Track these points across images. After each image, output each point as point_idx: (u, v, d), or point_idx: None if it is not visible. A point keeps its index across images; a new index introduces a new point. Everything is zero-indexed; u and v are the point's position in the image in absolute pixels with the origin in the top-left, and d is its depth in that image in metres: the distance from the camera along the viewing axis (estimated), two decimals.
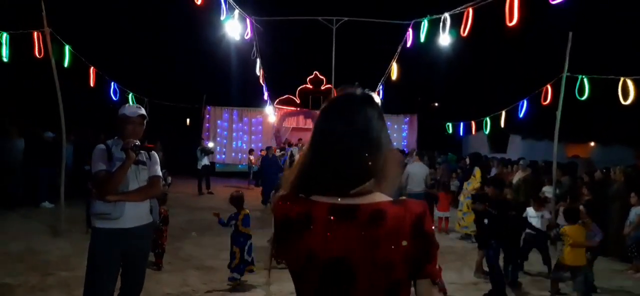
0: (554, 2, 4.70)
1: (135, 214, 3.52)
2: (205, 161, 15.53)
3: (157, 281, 5.99)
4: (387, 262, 1.29)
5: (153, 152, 3.74)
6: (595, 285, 6.45)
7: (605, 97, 8.73)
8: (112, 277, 3.49)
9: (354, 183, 1.35)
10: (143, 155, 3.61)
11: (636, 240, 7.52)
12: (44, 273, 6.09)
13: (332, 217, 1.32)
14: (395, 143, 22.51)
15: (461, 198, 10.12)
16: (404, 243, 1.30)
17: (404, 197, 1.42)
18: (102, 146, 3.54)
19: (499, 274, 6.05)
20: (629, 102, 7.75)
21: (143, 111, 3.65)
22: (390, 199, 1.36)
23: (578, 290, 5.82)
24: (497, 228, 6.16)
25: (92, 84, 9.94)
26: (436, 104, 31.05)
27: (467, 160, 10.88)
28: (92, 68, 9.79)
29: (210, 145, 17.39)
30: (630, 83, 7.71)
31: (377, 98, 1.45)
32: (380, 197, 1.36)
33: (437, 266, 1.37)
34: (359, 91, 1.44)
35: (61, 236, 8.05)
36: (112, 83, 10.91)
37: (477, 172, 9.90)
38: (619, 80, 7.87)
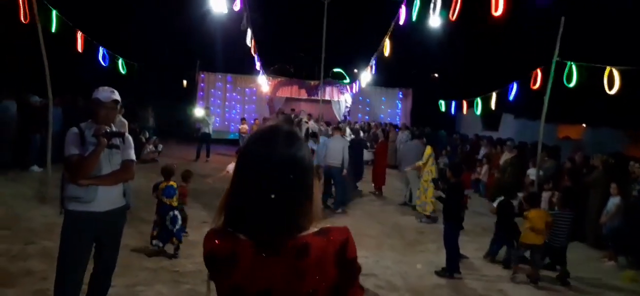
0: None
1: (108, 198, 3.57)
2: (204, 128, 15.64)
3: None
4: (311, 293, 1.33)
5: (127, 135, 3.77)
6: (568, 271, 6.66)
7: (593, 84, 8.74)
8: (84, 260, 3.57)
9: (279, 227, 1.33)
10: (117, 139, 3.64)
11: (612, 229, 7.67)
12: (27, 242, 6.20)
13: (257, 255, 1.33)
14: (389, 119, 22.55)
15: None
16: (329, 272, 1.34)
17: (328, 225, 1.42)
18: (75, 129, 3.55)
19: (452, 251, 6.35)
20: (613, 91, 7.76)
21: (117, 96, 3.66)
22: (314, 230, 1.38)
23: (537, 266, 6.36)
24: (449, 210, 6.38)
25: (79, 49, 9.85)
26: (436, 75, 30.43)
27: (425, 139, 11.00)
28: (79, 33, 9.69)
29: (199, 113, 17.29)
30: (616, 72, 7.71)
31: (301, 137, 1.45)
32: (304, 231, 1.37)
33: (359, 289, 1.43)
34: (285, 127, 1.43)
35: (47, 203, 8.10)
36: (101, 48, 10.80)
37: (428, 149, 10.02)
38: (605, 69, 7.87)
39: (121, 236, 3.84)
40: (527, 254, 6.55)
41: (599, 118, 17.77)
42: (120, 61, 12.02)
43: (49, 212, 7.61)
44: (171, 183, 6.24)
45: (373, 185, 12.45)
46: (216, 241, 1.39)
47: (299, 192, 1.36)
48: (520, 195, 7.88)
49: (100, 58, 10.91)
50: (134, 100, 14.92)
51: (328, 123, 16.58)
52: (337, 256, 1.36)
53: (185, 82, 23.37)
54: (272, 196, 1.31)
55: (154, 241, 6.12)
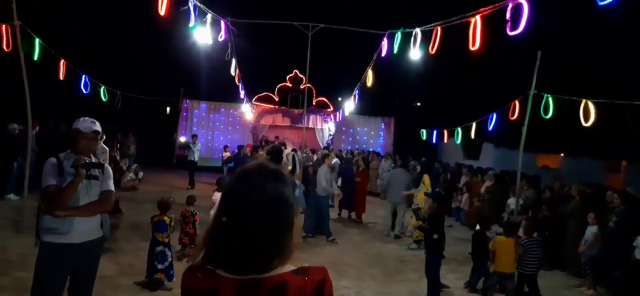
0: (511, 33, 4.85)
1: (84, 229, 3.53)
2: (190, 156, 15.51)
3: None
4: None
5: (107, 165, 3.75)
6: None
7: (570, 115, 8.99)
8: (59, 292, 3.50)
9: (261, 264, 1.36)
10: (96, 170, 3.62)
11: (590, 258, 7.78)
12: (1, 273, 6.04)
13: (238, 291, 1.35)
14: (371, 148, 22.71)
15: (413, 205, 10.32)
16: None
17: (306, 265, 1.44)
18: (53, 160, 3.53)
19: (434, 280, 6.34)
20: (589, 123, 7.97)
21: (97, 127, 3.65)
22: (293, 268, 1.41)
23: (508, 294, 6.42)
24: (430, 239, 6.38)
25: (61, 77, 9.79)
26: (419, 104, 30.91)
27: (418, 167, 11.15)
28: (62, 61, 9.65)
29: (182, 139, 17.34)
30: (591, 105, 7.95)
31: (286, 174, 1.49)
32: (283, 268, 1.39)
33: None
34: (271, 165, 1.48)
35: (23, 232, 7.91)
36: (83, 76, 10.76)
37: (425, 178, 10.14)
38: (581, 101, 8.10)
39: (97, 268, 3.78)
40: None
41: (578, 149, 18.16)
42: (102, 89, 11.97)
43: (24, 242, 7.40)
44: (165, 218, 6.16)
45: (353, 212, 12.51)
46: (196, 277, 1.40)
47: (282, 227, 1.39)
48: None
49: (82, 86, 10.83)
50: (116, 127, 14.81)
51: (313, 151, 16.64)
52: (315, 295, 1.38)
53: (168, 109, 23.29)
54: (258, 232, 1.34)
55: (146, 274, 6.08)
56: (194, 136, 16.48)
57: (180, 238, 7.38)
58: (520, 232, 8.80)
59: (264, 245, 1.35)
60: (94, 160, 3.64)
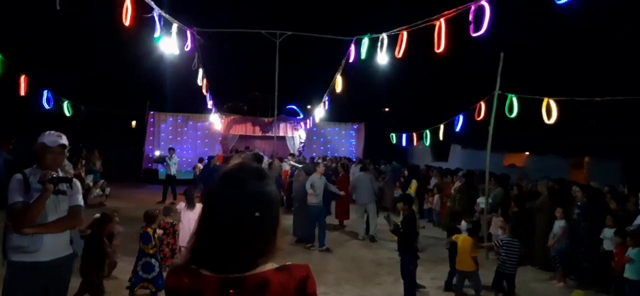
0: (474, 35, 4.98)
1: (54, 246, 3.43)
2: (167, 169, 15.15)
3: None
4: None
5: (75, 180, 3.66)
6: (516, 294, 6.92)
7: (534, 114, 9.28)
8: None
9: (244, 263, 1.36)
10: (64, 184, 3.52)
11: (559, 251, 8.01)
12: None
13: (223, 290, 1.35)
14: (342, 155, 22.81)
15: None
16: None
17: (289, 263, 1.45)
18: (18, 176, 3.41)
19: (409, 282, 6.40)
20: (552, 121, 8.25)
21: (64, 140, 3.56)
22: (275, 266, 1.41)
23: (476, 290, 6.61)
24: (404, 242, 6.43)
25: (23, 93, 9.50)
26: (387, 109, 31.35)
27: (406, 172, 11.30)
28: (23, 76, 9.36)
29: (157, 153, 16.99)
30: (553, 103, 8.23)
31: (268, 173, 1.50)
32: (265, 267, 1.40)
33: None
34: (253, 164, 1.48)
35: None
36: (45, 91, 10.46)
37: (413, 184, 10.27)
38: (543, 100, 8.38)
39: (68, 286, 3.67)
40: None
41: (542, 146, 18.71)
42: (65, 103, 11.66)
43: None
44: (149, 230, 6.13)
45: (337, 219, 12.52)
46: (179, 277, 1.40)
47: (266, 226, 1.40)
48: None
49: (44, 101, 10.51)
50: (81, 143, 14.42)
51: (281, 159, 16.57)
52: (297, 292, 1.39)
53: (134, 122, 22.80)
54: (241, 232, 1.34)
55: (128, 284, 6.05)
56: (171, 149, 16.07)
57: (161, 249, 7.27)
58: (498, 231, 9.03)
59: (247, 244, 1.35)
60: (61, 174, 3.54)
